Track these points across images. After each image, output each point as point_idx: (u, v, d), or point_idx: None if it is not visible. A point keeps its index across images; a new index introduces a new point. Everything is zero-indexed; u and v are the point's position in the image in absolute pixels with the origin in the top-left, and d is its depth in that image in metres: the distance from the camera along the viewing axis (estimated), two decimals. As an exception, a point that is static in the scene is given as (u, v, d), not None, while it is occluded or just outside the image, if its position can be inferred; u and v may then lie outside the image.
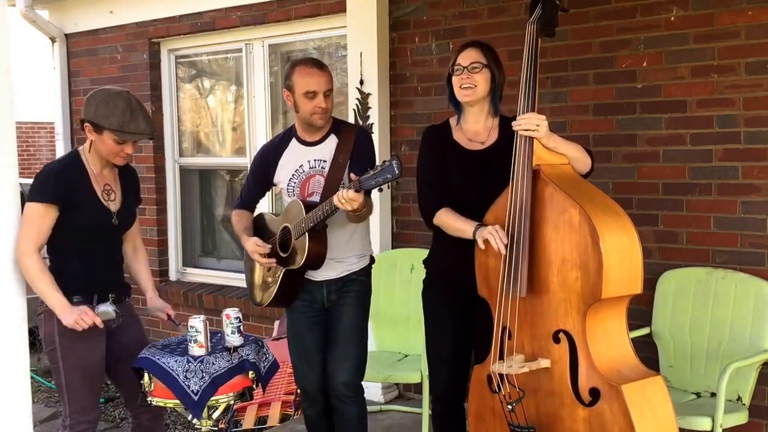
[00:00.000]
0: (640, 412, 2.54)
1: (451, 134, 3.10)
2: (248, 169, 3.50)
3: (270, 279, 3.32)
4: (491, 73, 3.00)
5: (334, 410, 3.31)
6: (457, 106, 3.09)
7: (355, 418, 3.29)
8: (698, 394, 3.62)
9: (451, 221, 2.99)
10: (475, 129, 3.08)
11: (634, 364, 2.70)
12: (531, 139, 2.75)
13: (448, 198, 3.03)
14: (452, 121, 3.14)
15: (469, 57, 3.00)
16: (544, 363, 2.72)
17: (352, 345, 3.26)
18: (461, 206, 2.98)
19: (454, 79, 3.02)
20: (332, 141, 3.27)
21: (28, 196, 3.06)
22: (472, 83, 2.98)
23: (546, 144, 2.78)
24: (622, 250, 2.62)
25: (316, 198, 3.20)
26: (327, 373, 3.28)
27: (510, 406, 2.74)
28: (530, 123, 2.74)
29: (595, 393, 2.61)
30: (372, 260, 3.42)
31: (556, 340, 2.69)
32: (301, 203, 3.17)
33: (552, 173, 2.75)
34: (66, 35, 6.49)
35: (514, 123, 2.80)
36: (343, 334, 3.26)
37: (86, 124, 3.09)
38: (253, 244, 3.26)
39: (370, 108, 4.69)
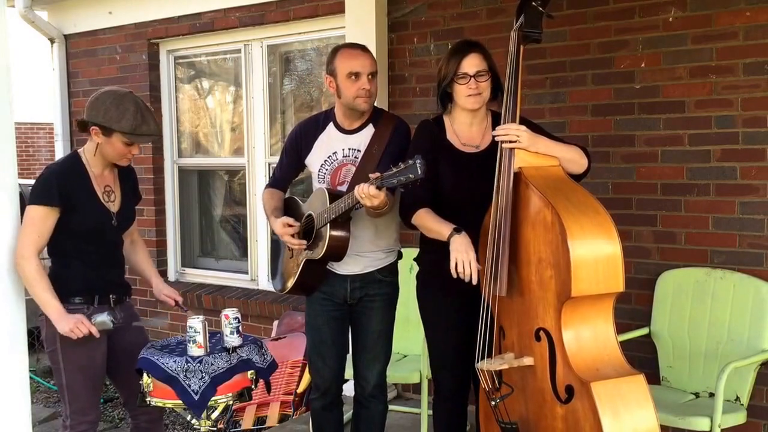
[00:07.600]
0: (612, 411, 2.51)
1: (446, 134, 3.05)
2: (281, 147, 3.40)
3: (292, 266, 3.22)
4: (492, 78, 2.98)
5: (359, 406, 3.34)
6: (445, 108, 3.04)
7: (381, 414, 3.35)
8: (697, 395, 3.62)
9: (427, 222, 2.94)
10: (470, 133, 3.04)
11: (618, 362, 2.67)
12: None
13: (430, 197, 2.98)
14: (446, 119, 3.08)
15: (474, 64, 2.93)
16: (527, 360, 2.75)
17: (382, 348, 3.26)
18: (452, 210, 2.95)
19: (459, 87, 2.95)
20: (369, 130, 3.15)
21: (29, 199, 3.05)
22: (478, 90, 2.94)
23: (536, 150, 2.80)
24: (595, 248, 2.61)
25: (345, 187, 3.09)
26: (356, 375, 3.30)
27: (493, 402, 2.79)
28: (511, 135, 2.77)
29: (570, 390, 2.62)
30: (399, 255, 3.32)
31: (537, 338, 2.72)
32: (326, 192, 3.04)
33: (534, 175, 2.76)
34: (65, 36, 6.49)
35: (493, 133, 2.83)
36: (373, 338, 3.24)
37: (93, 127, 3.06)
38: (281, 225, 3.11)
39: (369, 108, 4.69)
